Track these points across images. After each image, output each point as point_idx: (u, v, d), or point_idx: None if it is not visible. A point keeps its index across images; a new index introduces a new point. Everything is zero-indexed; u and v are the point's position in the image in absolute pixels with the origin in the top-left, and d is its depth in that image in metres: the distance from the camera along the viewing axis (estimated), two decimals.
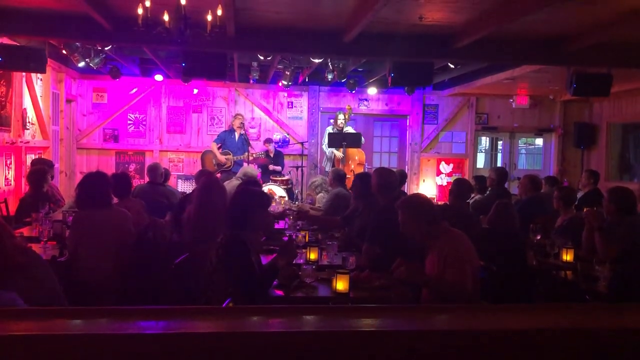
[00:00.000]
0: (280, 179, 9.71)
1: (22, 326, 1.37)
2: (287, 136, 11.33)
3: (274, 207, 6.61)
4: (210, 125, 11.15)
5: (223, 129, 10.99)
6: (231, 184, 6.28)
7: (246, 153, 9.61)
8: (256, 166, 9.52)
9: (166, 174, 7.26)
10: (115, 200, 4.86)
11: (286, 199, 8.30)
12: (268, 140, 10.34)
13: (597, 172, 7.84)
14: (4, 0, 5.85)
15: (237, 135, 10.06)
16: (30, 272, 2.06)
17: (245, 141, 9.90)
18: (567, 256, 4.68)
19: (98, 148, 11.04)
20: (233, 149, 10.04)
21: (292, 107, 11.33)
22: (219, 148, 10.08)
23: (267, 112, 11.29)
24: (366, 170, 9.95)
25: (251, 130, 11.13)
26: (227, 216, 3.39)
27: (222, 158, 9.93)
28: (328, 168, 9.88)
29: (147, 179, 7.16)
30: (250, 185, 4.61)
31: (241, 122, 10.03)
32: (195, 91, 10.95)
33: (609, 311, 1.66)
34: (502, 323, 1.49)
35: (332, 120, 10.56)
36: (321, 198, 7.16)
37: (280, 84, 10.22)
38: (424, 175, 11.74)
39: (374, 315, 1.52)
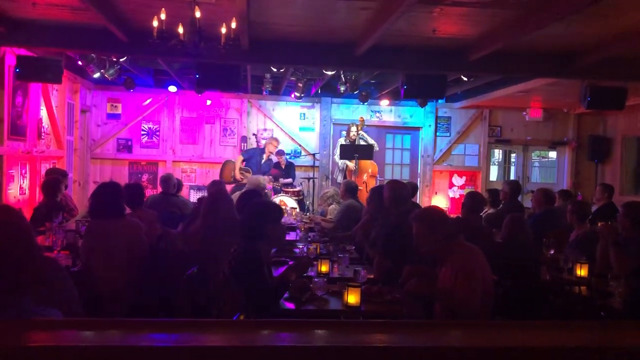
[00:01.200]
0: (291, 190, 9.60)
1: (34, 337, 1.37)
2: (299, 147, 11.11)
3: (285, 219, 6.44)
4: (222, 137, 11.02)
5: (235, 140, 10.89)
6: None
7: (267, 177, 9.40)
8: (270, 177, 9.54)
9: (179, 185, 7.22)
10: (128, 210, 4.81)
11: (297, 210, 8.27)
12: (280, 152, 10.15)
13: (611, 185, 7.76)
14: (22, 12, 5.89)
15: (265, 157, 9.86)
16: (54, 284, 2.06)
17: (270, 167, 9.70)
18: (581, 271, 4.61)
19: (111, 158, 10.96)
20: (255, 169, 9.80)
21: (304, 119, 11.17)
22: (242, 161, 9.88)
23: (279, 123, 11.00)
24: (378, 182, 9.79)
25: (263, 142, 10.76)
26: (240, 228, 3.35)
27: (238, 174, 9.73)
28: (340, 179, 9.76)
29: (159, 190, 7.13)
30: (253, 196, 4.54)
31: (275, 148, 9.83)
32: (209, 102, 10.86)
33: (624, 328, 1.63)
34: (514, 340, 1.47)
35: (344, 132, 10.45)
36: (333, 210, 7.07)
37: (292, 96, 10.11)
38: (437, 187, 11.52)
39: (386, 330, 1.51)
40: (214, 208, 4.00)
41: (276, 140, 10.12)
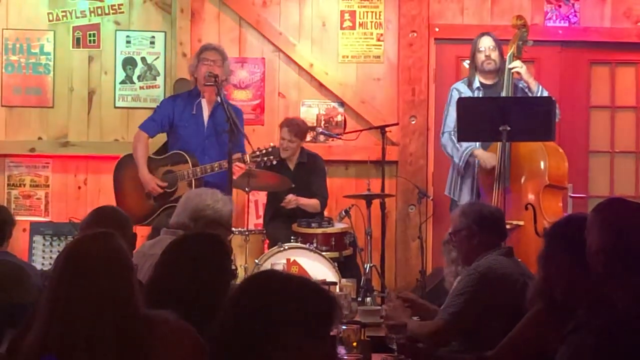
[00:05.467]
0: (320, 231, 6.79)
1: None
2: (340, 108, 7.82)
3: None
4: None
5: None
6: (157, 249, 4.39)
7: (239, 155, 6.57)
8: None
9: (4, 222, 5.38)
10: None
11: (342, 289, 6.07)
12: (291, 125, 7.06)
13: None
14: None
15: (205, 106, 6.84)
16: None
17: (226, 119, 6.59)
18: None
19: None
20: (195, 143, 6.86)
21: (353, 27, 7.72)
22: (157, 151, 7.03)
23: (284, 43, 7.73)
24: (570, 204, 7.21)
25: (237, 95, 7.63)
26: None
27: (149, 182, 6.71)
28: (461, 195, 7.03)
29: None
30: (207, 255, 3.67)
31: (210, 75, 6.69)
32: None
33: None
34: None
35: (466, 62, 7.40)
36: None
37: None
38: None
39: None
40: (69, 294, 3.10)
41: (213, 47, 7.07)
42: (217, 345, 2.61)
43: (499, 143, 6.48)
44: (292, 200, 6.75)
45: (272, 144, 6.72)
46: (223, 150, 6.56)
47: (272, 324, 2.49)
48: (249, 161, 6.47)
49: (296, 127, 6.99)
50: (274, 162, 6.74)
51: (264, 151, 6.56)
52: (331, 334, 2.78)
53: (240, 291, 2.59)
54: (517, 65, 6.71)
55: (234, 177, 6.53)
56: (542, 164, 6.67)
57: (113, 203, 6.63)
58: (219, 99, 6.59)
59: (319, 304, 2.49)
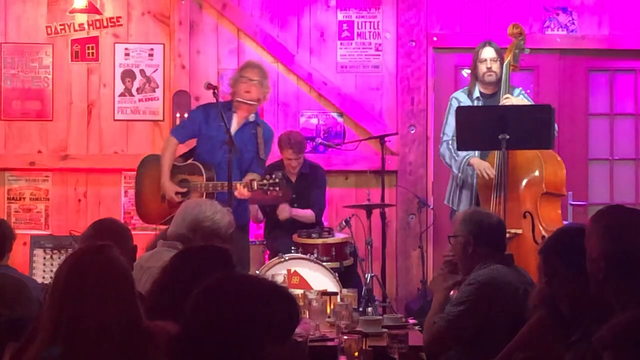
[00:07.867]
0: (320, 241, 6.77)
1: None
2: (339, 119, 7.82)
3: (305, 325, 5.02)
4: (124, 97, 7.22)
5: (157, 105, 7.32)
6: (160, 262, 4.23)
7: (252, 176, 6.49)
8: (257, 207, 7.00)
9: (4, 236, 5.16)
10: None
11: (343, 300, 5.90)
12: (294, 146, 7.13)
13: None
14: None
15: (235, 122, 6.72)
16: None
17: (255, 139, 6.67)
18: None
19: None
20: (216, 156, 6.73)
21: (350, 38, 7.73)
22: (183, 154, 6.81)
23: (283, 54, 7.66)
24: (570, 214, 7.26)
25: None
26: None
27: (168, 190, 6.57)
28: (460, 205, 6.99)
29: None
30: (207, 264, 3.54)
31: (258, 97, 6.73)
32: None
33: None
34: None
35: (466, 71, 7.40)
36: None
37: None
38: None
39: None
40: (70, 308, 3.09)
41: (255, 64, 6.88)
42: (179, 349, 2.61)
43: (496, 152, 6.46)
44: (285, 209, 6.78)
45: (280, 174, 6.55)
46: (241, 169, 6.58)
47: (234, 328, 2.51)
48: (255, 188, 6.39)
49: (298, 145, 6.97)
50: (278, 193, 6.57)
51: (271, 181, 6.43)
52: (294, 337, 2.83)
53: (202, 296, 2.58)
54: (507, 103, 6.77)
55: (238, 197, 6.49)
56: (538, 172, 6.60)
57: (113, 215, 6.51)
58: (251, 117, 6.59)
59: (279, 306, 2.50)
